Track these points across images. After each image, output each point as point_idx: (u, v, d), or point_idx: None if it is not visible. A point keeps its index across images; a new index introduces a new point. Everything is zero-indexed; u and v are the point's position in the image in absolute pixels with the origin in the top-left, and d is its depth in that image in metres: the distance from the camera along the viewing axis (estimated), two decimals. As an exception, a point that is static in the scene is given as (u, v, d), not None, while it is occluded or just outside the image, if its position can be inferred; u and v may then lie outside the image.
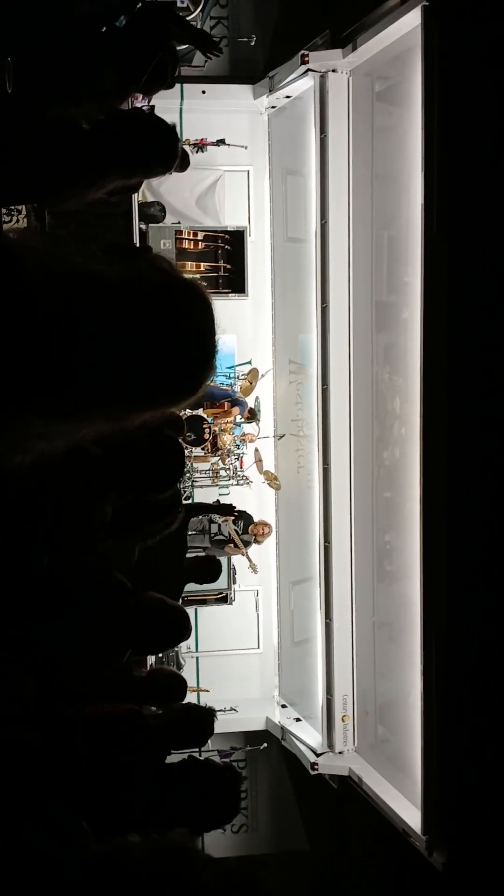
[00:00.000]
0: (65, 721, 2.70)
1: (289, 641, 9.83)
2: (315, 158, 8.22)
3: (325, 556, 8.36)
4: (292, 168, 9.22)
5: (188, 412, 8.50)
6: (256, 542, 9.08)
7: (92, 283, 1.23)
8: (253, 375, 9.19)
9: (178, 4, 7.87)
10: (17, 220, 4.27)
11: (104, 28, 2.98)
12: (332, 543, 8.27)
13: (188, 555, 5.13)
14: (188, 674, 9.28)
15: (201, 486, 9.20)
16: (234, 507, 7.70)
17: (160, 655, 8.51)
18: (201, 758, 2.97)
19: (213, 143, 9.40)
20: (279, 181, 9.56)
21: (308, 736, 8.75)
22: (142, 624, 2.76)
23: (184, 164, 4.78)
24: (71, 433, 1.25)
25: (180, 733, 3.26)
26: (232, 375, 9.29)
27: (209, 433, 8.71)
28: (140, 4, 3.15)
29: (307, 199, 8.60)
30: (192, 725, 3.36)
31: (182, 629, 3.01)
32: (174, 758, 3.26)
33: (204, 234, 9.35)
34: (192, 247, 9.22)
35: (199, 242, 9.28)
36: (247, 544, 9.00)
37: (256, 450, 9.23)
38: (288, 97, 8.93)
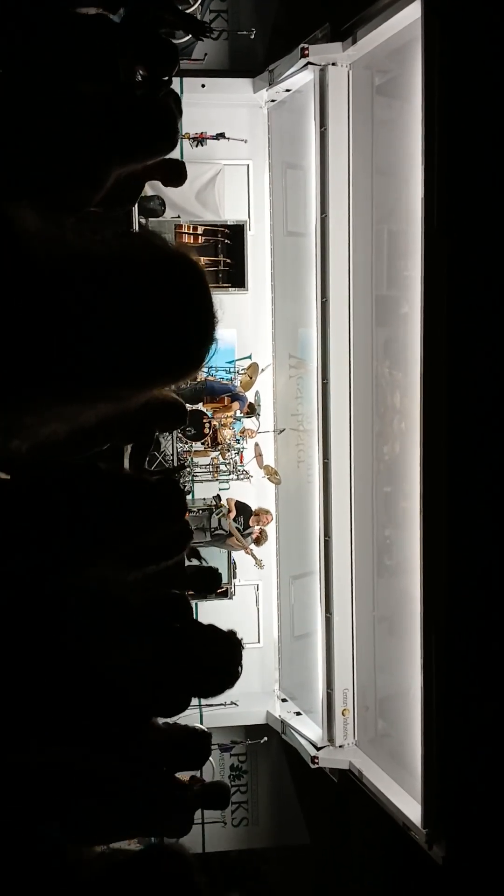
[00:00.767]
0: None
1: (289, 636, 9.84)
2: (315, 152, 8.20)
3: (326, 551, 8.37)
4: (292, 162, 9.19)
5: (188, 407, 8.51)
6: (257, 541, 9.10)
7: (89, 261, 1.23)
8: (253, 370, 9.19)
9: None
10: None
11: (102, 23, 2.99)
12: (332, 538, 8.28)
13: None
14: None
15: (201, 481, 9.20)
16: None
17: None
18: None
19: (212, 137, 9.37)
20: (279, 175, 9.53)
21: (308, 730, 8.77)
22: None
23: (180, 177, 4.79)
24: (73, 416, 1.24)
25: (177, 756, 3.22)
26: (232, 370, 9.29)
27: (209, 428, 8.70)
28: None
29: (307, 192, 8.58)
30: (189, 749, 3.31)
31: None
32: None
33: (204, 228, 9.33)
34: (191, 241, 9.21)
35: (199, 237, 9.27)
36: (249, 537, 9.02)
37: (256, 444, 9.24)
38: (288, 91, 8.91)
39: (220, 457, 8.99)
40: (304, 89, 8.49)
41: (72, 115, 2.50)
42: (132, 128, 2.71)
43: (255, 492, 9.61)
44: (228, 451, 8.94)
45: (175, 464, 8.47)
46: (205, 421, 8.64)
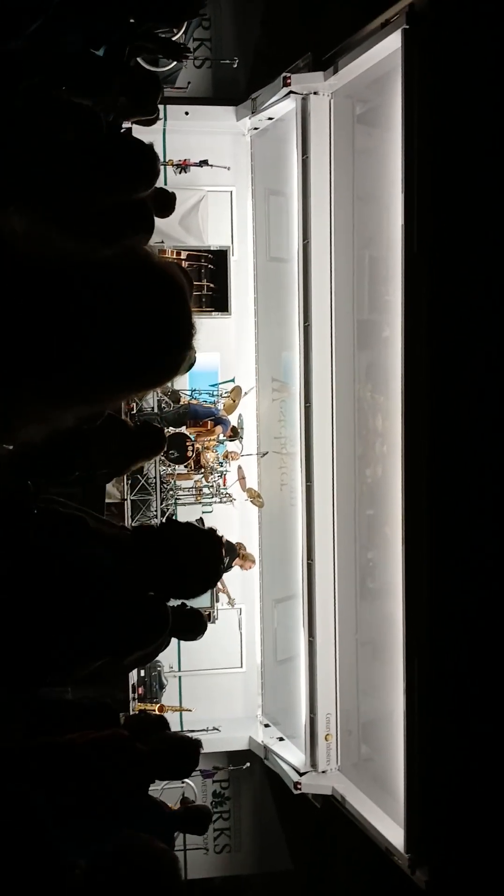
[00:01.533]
0: (48, 745, 2.67)
1: (272, 660, 9.80)
2: (297, 179, 8.30)
3: (309, 574, 8.36)
4: (275, 188, 9.30)
5: (171, 430, 8.52)
6: (242, 565, 9.09)
7: (73, 267, 1.26)
8: (236, 393, 9.22)
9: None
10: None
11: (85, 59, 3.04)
12: (315, 561, 8.28)
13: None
14: (170, 693, 9.22)
15: (184, 504, 9.19)
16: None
17: (142, 674, 8.46)
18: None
19: (196, 164, 9.47)
20: (262, 201, 9.63)
21: (291, 755, 8.71)
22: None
23: (168, 209, 4.87)
24: (53, 417, 1.27)
25: (166, 763, 3.21)
26: (215, 393, 9.32)
27: (192, 451, 8.71)
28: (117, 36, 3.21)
29: (289, 218, 8.68)
30: (178, 757, 3.30)
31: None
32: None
33: (187, 253, 9.40)
34: (175, 266, 9.25)
35: (183, 262, 9.32)
36: (229, 569, 9.01)
37: (240, 467, 9.25)
38: (270, 119, 9.03)
39: (203, 480, 8.99)
40: (287, 117, 8.61)
41: (56, 163, 2.54)
42: (113, 171, 2.77)
43: (239, 515, 9.60)
44: (212, 474, 8.95)
45: (157, 486, 8.46)
46: (188, 444, 8.65)
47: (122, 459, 3.64)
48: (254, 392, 9.69)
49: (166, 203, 4.87)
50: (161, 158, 3.79)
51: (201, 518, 9.32)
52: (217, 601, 9.23)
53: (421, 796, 6.46)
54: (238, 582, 9.33)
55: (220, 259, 9.58)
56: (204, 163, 9.48)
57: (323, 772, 8.26)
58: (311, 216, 8.11)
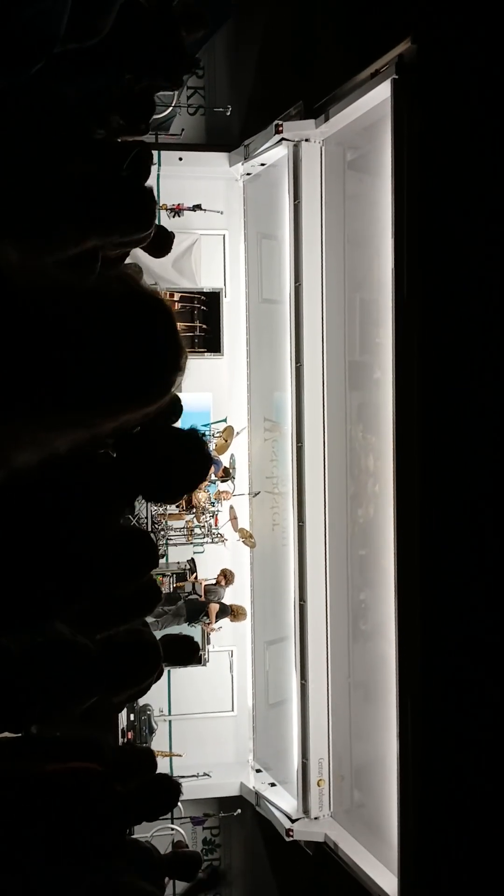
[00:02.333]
0: (21, 775, 2.61)
1: (263, 703, 9.68)
2: (289, 223, 8.43)
3: (301, 615, 8.31)
4: (267, 232, 9.44)
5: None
6: (234, 617, 9.07)
7: (64, 292, 1.30)
8: (228, 433, 9.25)
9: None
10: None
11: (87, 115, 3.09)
12: (307, 602, 8.23)
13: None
14: (160, 738, 9.09)
15: (175, 545, 9.16)
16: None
17: (132, 718, 8.35)
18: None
19: (189, 208, 9.62)
20: (254, 245, 9.77)
21: (283, 801, 8.56)
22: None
23: (164, 249, 4.92)
24: (45, 442, 1.29)
25: (145, 803, 3.14)
26: (207, 433, 9.34)
27: (184, 491, 8.69)
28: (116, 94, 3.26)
29: (281, 261, 8.79)
30: (158, 795, 3.24)
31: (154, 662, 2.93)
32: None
33: (181, 295, 9.50)
34: (168, 307, 9.34)
35: (176, 303, 9.42)
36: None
37: (231, 507, 9.24)
38: (262, 164, 9.19)
39: (194, 520, 8.97)
40: (279, 164, 8.77)
41: (51, 196, 2.56)
42: (109, 213, 2.79)
43: (230, 555, 9.57)
44: (203, 514, 8.93)
45: (149, 526, 8.44)
46: (179, 484, 8.63)
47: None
48: (246, 432, 9.72)
49: (164, 242, 4.90)
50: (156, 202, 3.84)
51: (192, 559, 9.29)
52: (208, 643, 9.16)
53: (414, 843, 6.35)
54: (228, 623, 9.25)
55: (212, 301, 9.68)
56: (197, 207, 9.63)
57: (315, 818, 8.12)
58: (303, 259, 8.22)
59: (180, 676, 9.18)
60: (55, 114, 2.87)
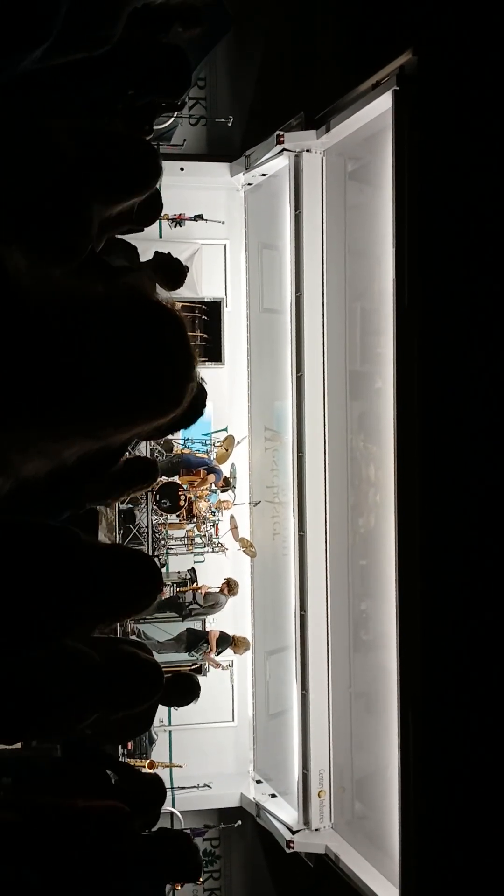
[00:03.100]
0: (43, 810, 2.61)
1: (264, 714, 9.64)
2: (290, 233, 8.45)
3: (301, 625, 8.28)
4: (268, 242, 9.46)
5: (163, 479, 8.51)
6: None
7: (74, 300, 1.28)
8: (229, 443, 9.24)
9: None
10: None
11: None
12: (307, 612, 8.20)
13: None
14: (160, 748, 9.05)
15: (176, 554, 9.14)
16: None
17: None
18: None
19: (190, 218, 9.65)
20: (255, 254, 9.79)
21: (284, 812, 8.52)
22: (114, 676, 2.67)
23: (177, 282, 4.86)
24: (53, 451, 1.28)
25: (164, 862, 3.08)
26: (208, 443, 9.34)
27: (185, 500, 8.70)
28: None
29: (282, 271, 8.81)
30: (177, 856, 3.17)
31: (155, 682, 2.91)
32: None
33: (182, 304, 9.51)
34: (169, 317, 9.35)
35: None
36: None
37: (232, 517, 9.23)
38: (264, 175, 9.22)
39: (195, 529, 8.96)
40: (280, 174, 8.80)
41: (46, 154, 2.47)
42: (111, 166, 2.68)
43: (231, 564, 9.55)
44: (204, 523, 8.92)
45: (149, 536, 8.43)
46: (180, 493, 8.63)
47: (117, 487, 3.58)
48: (246, 441, 9.71)
49: (177, 276, 4.82)
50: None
51: (193, 568, 9.28)
52: (206, 674, 9.12)
53: (416, 855, 6.32)
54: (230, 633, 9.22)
55: (213, 310, 9.69)
56: (199, 217, 9.66)
57: (316, 829, 8.08)
58: (304, 269, 8.24)
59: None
60: (54, 113, 2.83)
